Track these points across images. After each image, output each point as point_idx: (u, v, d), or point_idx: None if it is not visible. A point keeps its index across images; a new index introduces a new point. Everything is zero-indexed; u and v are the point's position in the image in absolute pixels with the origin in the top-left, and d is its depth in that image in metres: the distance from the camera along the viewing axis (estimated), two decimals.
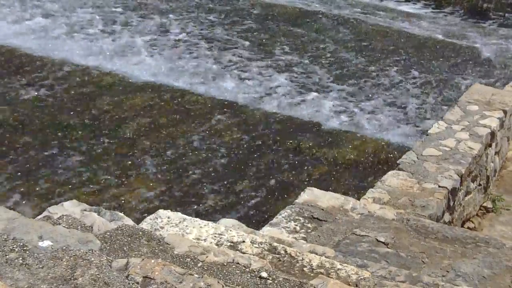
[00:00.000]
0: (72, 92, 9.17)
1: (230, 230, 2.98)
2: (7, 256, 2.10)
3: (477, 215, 5.24)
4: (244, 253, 2.73)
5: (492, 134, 5.30)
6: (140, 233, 2.49)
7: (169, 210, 3.14)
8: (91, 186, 6.95)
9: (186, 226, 2.97)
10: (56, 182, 6.95)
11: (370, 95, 9.73)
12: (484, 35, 12.80)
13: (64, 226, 2.42)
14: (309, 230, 3.61)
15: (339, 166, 7.61)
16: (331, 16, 13.36)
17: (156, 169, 7.36)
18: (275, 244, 2.87)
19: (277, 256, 2.76)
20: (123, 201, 6.68)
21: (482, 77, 10.60)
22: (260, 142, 8.12)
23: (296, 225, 3.64)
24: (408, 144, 7.91)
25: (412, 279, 2.87)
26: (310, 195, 4.02)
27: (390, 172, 4.60)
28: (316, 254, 2.92)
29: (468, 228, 4.85)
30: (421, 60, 11.33)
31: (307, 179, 7.26)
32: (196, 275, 2.13)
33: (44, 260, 2.11)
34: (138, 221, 3.10)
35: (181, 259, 2.36)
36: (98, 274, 2.06)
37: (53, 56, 10.35)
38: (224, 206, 6.79)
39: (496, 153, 5.64)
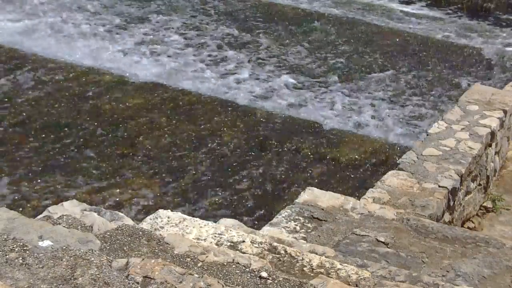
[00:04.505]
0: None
1: (230, 230, 2.98)
2: (7, 256, 2.10)
3: (477, 215, 5.23)
4: (244, 253, 2.73)
5: (492, 134, 5.30)
6: (140, 233, 2.49)
7: (169, 210, 3.14)
8: (91, 185, 6.94)
9: (186, 226, 2.97)
10: (55, 182, 6.95)
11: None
12: (485, 34, 12.78)
13: (64, 226, 2.42)
14: (309, 230, 3.61)
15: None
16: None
17: (155, 169, 7.37)
18: (275, 244, 2.87)
19: (277, 256, 2.76)
20: (123, 201, 6.68)
21: (482, 77, 10.58)
22: (261, 141, 8.14)
23: (296, 225, 3.64)
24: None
25: (412, 279, 2.87)
26: (310, 195, 4.02)
27: (390, 172, 4.59)
28: (316, 254, 2.92)
29: (468, 228, 4.85)
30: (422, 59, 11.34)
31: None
32: (196, 275, 2.13)
33: (44, 260, 2.11)
34: (138, 221, 3.10)
35: (181, 259, 2.36)
36: (98, 274, 2.06)
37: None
38: (224, 205, 6.79)
39: (496, 153, 5.64)
